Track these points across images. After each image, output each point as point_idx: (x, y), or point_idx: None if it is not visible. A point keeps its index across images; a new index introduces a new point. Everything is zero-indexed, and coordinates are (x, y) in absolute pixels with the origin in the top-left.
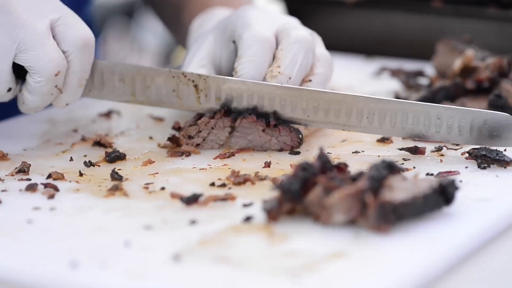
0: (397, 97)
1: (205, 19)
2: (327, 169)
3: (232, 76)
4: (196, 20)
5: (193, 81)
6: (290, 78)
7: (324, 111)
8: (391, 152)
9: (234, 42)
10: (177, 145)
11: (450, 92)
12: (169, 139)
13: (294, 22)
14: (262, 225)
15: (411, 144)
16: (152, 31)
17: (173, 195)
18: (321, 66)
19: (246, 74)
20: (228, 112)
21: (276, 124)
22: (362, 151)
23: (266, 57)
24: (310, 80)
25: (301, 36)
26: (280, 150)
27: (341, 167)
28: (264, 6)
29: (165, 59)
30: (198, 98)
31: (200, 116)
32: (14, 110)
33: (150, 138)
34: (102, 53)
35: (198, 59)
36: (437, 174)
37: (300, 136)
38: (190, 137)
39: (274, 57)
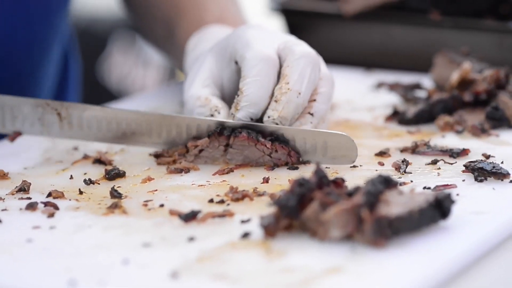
0: (396, 111)
1: (200, 38)
2: (324, 184)
3: (238, 95)
4: (192, 39)
5: (56, 109)
6: (299, 93)
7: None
8: (389, 166)
9: (236, 62)
10: (164, 159)
11: (448, 104)
12: (155, 155)
13: (294, 39)
14: (260, 241)
15: (408, 157)
16: None
17: (172, 212)
18: (324, 85)
19: (252, 94)
20: (222, 130)
21: (272, 141)
22: (360, 165)
23: (270, 75)
24: (315, 100)
25: (305, 52)
26: (276, 165)
27: (338, 182)
28: (262, 24)
29: (170, 73)
30: (62, 126)
31: (195, 138)
32: None
33: (150, 155)
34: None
35: (200, 80)
36: (434, 188)
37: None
38: (183, 155)
39: (280, 75)
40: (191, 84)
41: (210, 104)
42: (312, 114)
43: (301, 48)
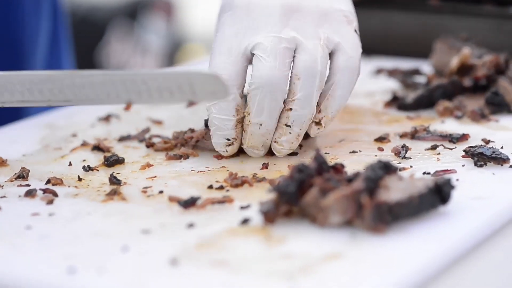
0: (395, 97)
1: None
2: (324, 170)
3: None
4: None
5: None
6: (260, 125)
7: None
8: (389, 152)
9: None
10: (161, 146)
11: (447, 90)
12: (147, 145)
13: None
14: (259, 228)
15: (408, 142)
16: (155, 32)
17: (171, 199)
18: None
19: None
20: None
21: None
22: (360, 151)
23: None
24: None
25: (263, 80)
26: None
27: (338, 168)
28: None
29: (168, 60)
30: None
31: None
32: (13, 115)
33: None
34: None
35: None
36: (434, 173)
37: None
38: (182, 145)
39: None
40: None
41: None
42: (289, 126)
43: (261, 71)
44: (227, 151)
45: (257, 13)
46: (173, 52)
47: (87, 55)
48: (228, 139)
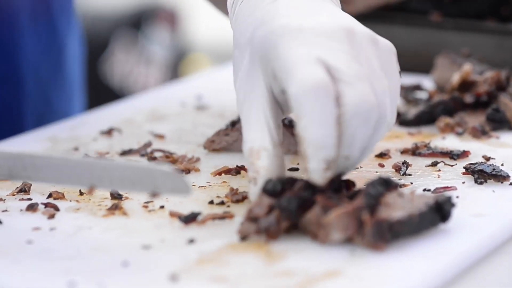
0: (397, 113)
1: None
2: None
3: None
4: None
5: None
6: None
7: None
8: (389, 168)
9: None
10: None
11: (448, 106)
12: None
13: (341, 54)
14: (260, 244)
15: (409, 158)
16: (159, 42)
17: (172, 214)
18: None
19: (313, 141)
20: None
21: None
22: (360, 167)
23: (327, 107)
24: None
25: (361, 105)
26: None
27: (348, 185)
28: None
29: (172, 71)
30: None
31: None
32: (15, 129)
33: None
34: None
35: (257, 113)
36: (434, 190)
37: None
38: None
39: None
40: (247, 120)
41: (255, 165)
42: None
43: (356, 96)
44: (324, 178)
45: (323, 36)
46: (178, 63)
47: (91, 66)
48: (328, 160)
